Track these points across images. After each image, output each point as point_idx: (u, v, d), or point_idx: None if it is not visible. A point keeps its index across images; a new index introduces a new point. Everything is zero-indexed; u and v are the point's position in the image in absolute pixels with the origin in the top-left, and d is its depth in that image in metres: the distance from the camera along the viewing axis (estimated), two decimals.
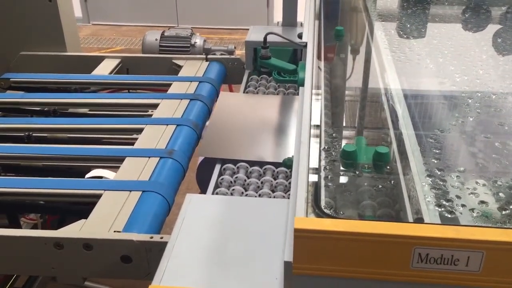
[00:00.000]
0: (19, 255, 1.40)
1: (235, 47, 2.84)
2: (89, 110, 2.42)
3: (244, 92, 2.37)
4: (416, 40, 1.85)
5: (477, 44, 1.82)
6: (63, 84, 2.52)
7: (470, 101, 1.33)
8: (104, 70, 2.60)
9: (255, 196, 1.60)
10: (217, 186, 1.66)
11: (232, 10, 7.92)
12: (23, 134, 2.04)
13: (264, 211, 1.30)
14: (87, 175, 1.80)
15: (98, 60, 2.69)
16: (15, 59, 2.73)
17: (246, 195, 1.60)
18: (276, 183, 1.67)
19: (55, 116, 2.28)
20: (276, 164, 1.74)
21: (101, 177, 1.78)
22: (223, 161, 1.79)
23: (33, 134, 2.05)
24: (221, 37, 7.55)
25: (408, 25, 1.98)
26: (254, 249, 1.17)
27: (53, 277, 1.53)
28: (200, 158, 2.96)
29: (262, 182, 1.68)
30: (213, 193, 1.61)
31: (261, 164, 1.76)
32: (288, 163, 1.59)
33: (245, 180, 1.69)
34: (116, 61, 2.68)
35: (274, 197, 1.60)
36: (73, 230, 1.41)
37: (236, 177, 1.69)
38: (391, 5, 2.34)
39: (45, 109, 2.34)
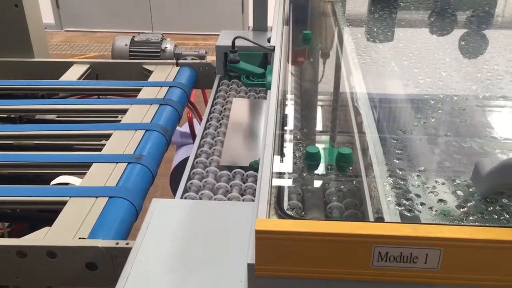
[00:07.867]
0: None
1: (206, 52, 2.82)
2: (57, 117, 2.38)
3: (214, 97, 2.36)
4: (383, 44, 1.88)
5: (441, 47, 1.85)
6: (30, 90, 2.47)
7: (432, 102, 1.35)
8: (72, 76, 2.56)
9: (224, 200, 1.60)
10: (186, 190, 1.64)
11: (207, 15, 7.92)
12: None
13: (230, 215, 1.29)
14: (52, 182, 1.77)
15: (66, 66, 2.64)
16: None
17: (215, 199, 1.59)
18: (246, 186, 1.67)
19: (21, 123, 2.23)
20: (246, 168, 1.74)
21: (67, 183, 1.75)
22: (192, 166, 1.77)
23: None
24: (196, 42, 7.54)
25: (375, 29, 2.01)
26: (220, 252, 1.16)
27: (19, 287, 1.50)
28: (174, 164, 2.94)
29: (231, 186, 1.67)
30: (181, 198, 1.59)
31: (230, 168, 1.75)
32: (255, 166, 1.59)
33: (214, 184, 1.68)
34: (85, 67, 2.64)
35: (243, 200, 1.60)
36: (37, 238, 1.38)
37: (205, 182, 1.68)
38: (359, 10, 2.37)
39: (11, 116, 2.29)
